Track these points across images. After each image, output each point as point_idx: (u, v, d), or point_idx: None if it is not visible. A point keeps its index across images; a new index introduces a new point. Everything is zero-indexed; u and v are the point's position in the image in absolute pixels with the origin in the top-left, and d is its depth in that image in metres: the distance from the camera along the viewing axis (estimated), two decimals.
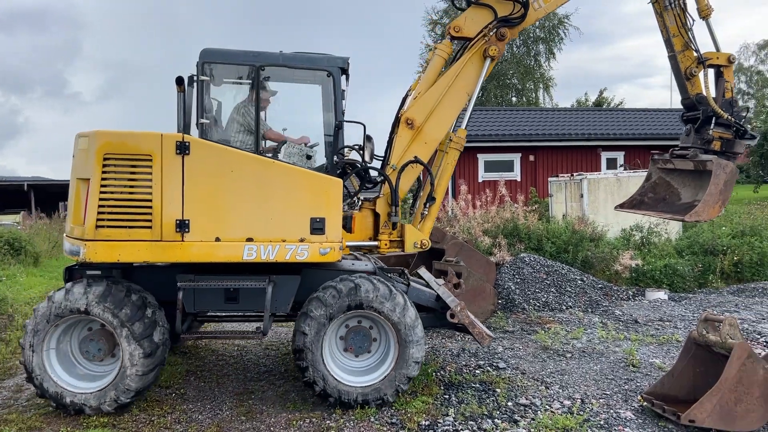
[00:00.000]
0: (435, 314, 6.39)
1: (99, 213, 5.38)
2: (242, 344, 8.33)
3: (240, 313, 6.75)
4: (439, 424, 5.43)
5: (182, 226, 5.46)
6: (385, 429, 5.38)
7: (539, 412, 5.69)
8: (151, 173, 5.43)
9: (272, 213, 5.63)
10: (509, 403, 5.89)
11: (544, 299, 10.52)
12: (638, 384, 6.47)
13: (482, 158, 21.40)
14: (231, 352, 7.96)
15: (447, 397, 6.10)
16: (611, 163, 21.99)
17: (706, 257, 12.84)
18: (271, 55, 6.00)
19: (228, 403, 6.07)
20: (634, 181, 14.83)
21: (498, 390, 6.22)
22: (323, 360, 5.71)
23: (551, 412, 5.69)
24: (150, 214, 5.44)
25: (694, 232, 13.93)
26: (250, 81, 6.19)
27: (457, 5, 6.57)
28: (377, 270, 6.30)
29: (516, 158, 21.63)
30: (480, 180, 20.94)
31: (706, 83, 6.37)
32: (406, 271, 6.88)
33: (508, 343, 8.22)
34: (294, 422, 5.52)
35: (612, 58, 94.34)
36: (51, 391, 5.56)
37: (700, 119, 6.33)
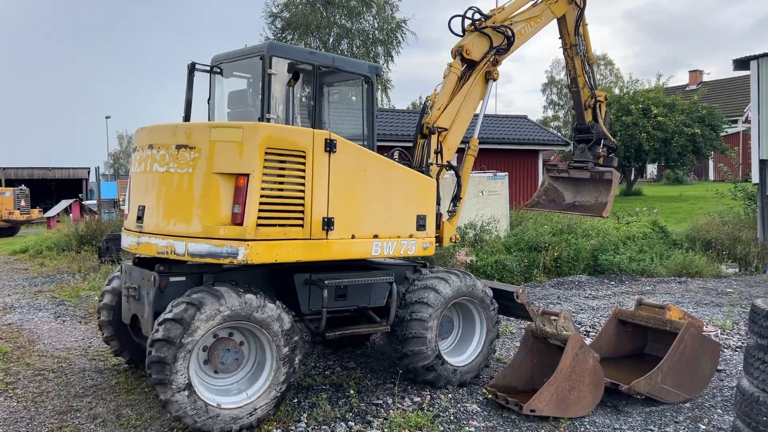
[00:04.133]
0: None
1: (260, 211, 4.99)
2: (63, 356, 7.44)
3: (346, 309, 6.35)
4: (291, 431, 5.21)
5: (329, 223, 5.42)
6: None
7: (391, 410, 5.69)
8: (304, 170, 5.25)
9: (392, 211, 5.95)
10: (362, 404, 5.82)
11: None
12: (481, 377, 6.74)
13: None
14: (50, 366, 7.05)
15: (298, 401, 5.89)
16: None
17: (531, 253, 13.88)
18: (325, 55, 6.18)
19: (48, 424, 5.34)
20: (472, 181, 15.58)
21: (350, 391, 6.13)
22: (437, 342, 6.14)
23: (403, 410, 5.71)
24: (302, 212, 5.27)
25: (520, 230, 15.01)
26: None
27: (453, 31, 7.28)
28: (409, 264, 6.77)
29: None
30: None
31: (599, 113, 8.52)
32: (427, 264, 7.09)
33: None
34: None
35: (444, 64, 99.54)
36: (212, 414, 4.87)
37: (593, 140, 8.45)
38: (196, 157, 5.09)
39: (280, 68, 5.96)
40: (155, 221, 5.35)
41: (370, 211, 5.75)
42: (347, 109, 6.90)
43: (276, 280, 5.72)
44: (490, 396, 5.93)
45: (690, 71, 51.33)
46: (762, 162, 15.94)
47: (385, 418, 5.51)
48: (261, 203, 4.99)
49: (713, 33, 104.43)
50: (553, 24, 8.19)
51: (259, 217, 4.99)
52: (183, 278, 5.36)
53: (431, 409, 5.70)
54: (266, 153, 5.01)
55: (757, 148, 15.98)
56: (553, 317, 6.05)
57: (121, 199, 30.02)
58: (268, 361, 5.18)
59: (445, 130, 6.87)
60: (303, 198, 5.25)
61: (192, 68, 6.17)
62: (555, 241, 14.16)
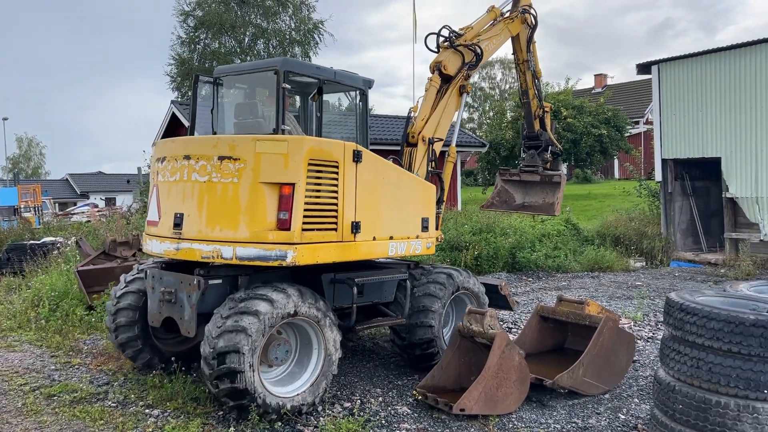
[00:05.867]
0: None
1: (304, 217, 5.45)
2: None
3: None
4: None
5: (356, 227, 5.92)
6: None
7: (321, 417, 5.59)
8: (337, 178, 5.75)
9: (403, 214, 6.54)
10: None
11: None
12: (410, 378, 6.75)
13: None
14: None
15: (224, 413, 5.68)
16: None
17: (452, 252, 14.11)
18: (328, 70, 6.57)
19: None
20: None
21: None
22: (441, 331, 6.84)
23: (333, 416, 5.62)
24: (336, 216, 5.76)
25: (441, 230, 15.20)
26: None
27: (430, 47, 7.85)
28: (403, 263, 7.22)
29: None
30: None
31: (546, 122, 9.41)
32: (419, 263, 7.48)
33: None
34: None
35: (359, 66, 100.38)
36: (273, 404, 5.34)
37: (541, 147, 9.32)
38: (242, 168, 5.48)
39: (225, 80, 6.56)
40: (198, 228, 5.64)
41: (386, 215, 6.33)
42: (335, 117, 7.48)
43: (302, 280, 5.99)
44: (420, 397, 5.93)
45: (595, 75, 53.75)
46: (664, 161, 16.93)
47: (316, 426, 5.41)
48: (305, 209, 5.48)
49: (612, 39, 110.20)
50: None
51: (303, 223, 5.47)
52: (220, 281, 5.79)
53: (362, 414, 5.65)
54: (309, 164, 5.50)
55: (660, 148, 16.96)
56: (479, 316, 6.14)
57: (25, 206, 28.26)
58: (314, 345, 5.75)
59: (440, 140, 7.40)
60: (336, 204, 5.77)
61: (196, 80, 6.53)
62: (475, 240, 14.45)
